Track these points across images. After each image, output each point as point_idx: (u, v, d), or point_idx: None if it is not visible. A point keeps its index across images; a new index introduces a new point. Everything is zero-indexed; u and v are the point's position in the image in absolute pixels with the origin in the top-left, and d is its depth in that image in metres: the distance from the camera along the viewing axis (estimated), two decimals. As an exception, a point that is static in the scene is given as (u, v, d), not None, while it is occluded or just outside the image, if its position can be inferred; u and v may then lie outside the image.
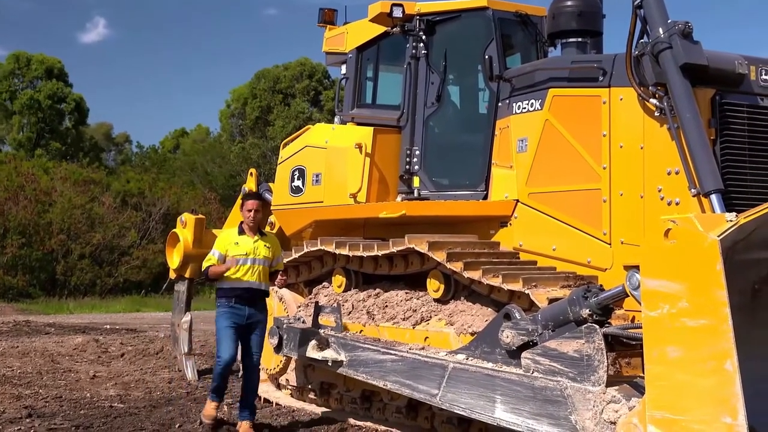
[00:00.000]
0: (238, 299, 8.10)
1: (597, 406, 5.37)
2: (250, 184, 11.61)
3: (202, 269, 8.34)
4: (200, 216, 11.98)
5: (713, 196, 5.94)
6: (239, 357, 8.34)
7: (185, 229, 11.78)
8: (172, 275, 12.23)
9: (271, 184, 11.22)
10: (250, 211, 8.25)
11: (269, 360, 9.65)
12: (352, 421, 8.59)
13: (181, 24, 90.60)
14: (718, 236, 4.33)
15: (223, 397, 8.46)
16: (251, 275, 8.13)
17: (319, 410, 9.16)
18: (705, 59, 6.38)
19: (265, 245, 8.24)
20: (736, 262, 4.50)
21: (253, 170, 11.99)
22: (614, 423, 5.20)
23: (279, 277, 8.47)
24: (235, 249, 8.14)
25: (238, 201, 11.83)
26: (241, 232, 8.26)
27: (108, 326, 19.39)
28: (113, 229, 31.25)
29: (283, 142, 10.60)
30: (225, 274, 8.10)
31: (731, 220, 4.43)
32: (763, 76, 6.76)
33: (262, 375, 10.08)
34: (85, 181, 33.04)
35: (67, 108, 45.68)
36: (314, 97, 44.51)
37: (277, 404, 9.64)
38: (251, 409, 8.24)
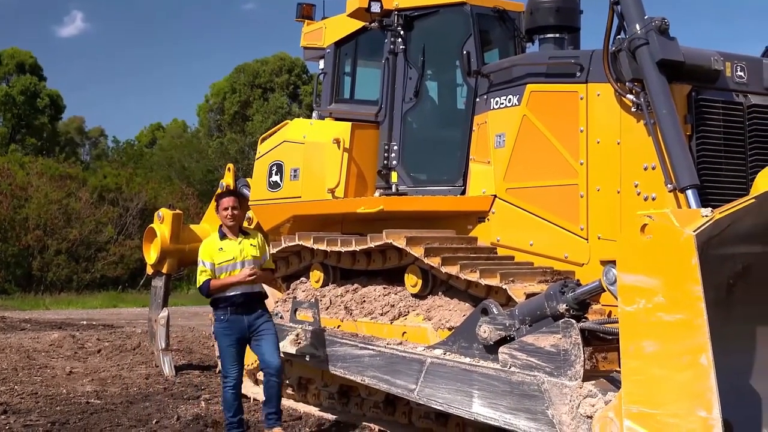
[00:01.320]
0: (235, 309, 7.48)
1: (573, 400, 5.39)
2: (228, 180, 11.59)
3: (198, 285, 7.62)
4: (178, 211, 11.94)
5: (689, 192, 5.98)
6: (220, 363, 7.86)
7: (162, 224, 11.74)
8: (150, 271, 12.19)
9: (248, 180, 11.20)
10: (226, 209, 7.60)
11: (247, 355, 9.61)
12: (329, 416, 8.59)
13: (159, 18, 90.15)
14: (694, 231, 4.35)
15: (245, 428, 7.74)
16: (247, 281, 7.53)
17: (296, 405, 9.15)
18: (681, 55, 6.41)
19: (250, 244, 7.65)
20: (712, 257, 4.53)
21: (230, 165, 11.96)
22: (590, 417, 5.22)
23: (266, 275, 7.90)
24: (221, 255, 7.51)
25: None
26: (223, 235, 7.61)
27: (85, 322, 19.29)
28: (90, 225, 31.07)
29: (261, 137, 10.57)
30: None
31: (707, 216, 4.45)
32: (738, 73, 6.81)
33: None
34: (61, 176, 32.82)
35: (41, 103, 45.29)
36: (293, 92, 44.42)
37: (254, 399, 9.60)
38: (278, 414, 7.65)
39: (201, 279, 7.53)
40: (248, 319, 7.53)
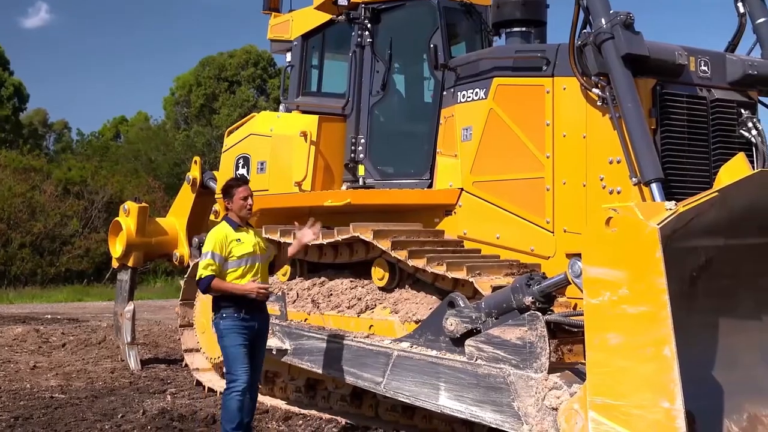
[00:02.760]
0: (249, 308, 6.70)
1: (539, 392, 5.43)
2: (195, 173, 11.54)
3: (198, 278, 6.69)
4: (143, 204, 11.85)
5: (653, 185, 6.04)
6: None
7: (128, 217, 11.66)
8: (115, 264, 12.10)
9: (215, 173, 11.15)
10: (245, 198, 6.83)
11: (213, 349, 9.58)
12: (296, 409, 8.58)
13: (124, 10, 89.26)
14: (658, 224, 4.40)
15: None
16: (259, 276, 6.81)
17: (263, 399, 9.12)
18: (646, 50, 6.45)
19: (260, 239, 7.02)
20: (675, 249, 4.57)
21: (197, 158, 11.90)
22: (556, 409, 5.27)
23: (309, 229, 7.17)
24: (240, 247, 6.72)
25: (184, 187, 11.77)
26: (237, 226, 6.82)
27: (49, 316, 19.12)
28: (55, 218, 30.76)
29: (227, 130, 10.52)
30: (232, 278, 6.68)
31: (670, 209, 4.49)
32: (702, 67, 6.87)
33: (206, 363, 10.05)
34: (25, 168, 32.47)
35: (5, 92, 44.70)
36: (260, 85, 44.24)
37: (221, 393, 9.57)
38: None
39: (204, 273, 6.59)
40: (258, 320, 6.83)
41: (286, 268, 8.88)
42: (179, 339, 10.90)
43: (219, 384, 9.82)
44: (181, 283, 10.62)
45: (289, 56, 9.79)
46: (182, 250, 11.63)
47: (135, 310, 11.78)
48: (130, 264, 11.78)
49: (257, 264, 6.77)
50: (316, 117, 9.00)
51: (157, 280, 30.29)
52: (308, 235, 7.14)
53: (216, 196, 10.55)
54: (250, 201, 6.86)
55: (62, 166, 36.73)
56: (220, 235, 6.71)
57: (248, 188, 6.93)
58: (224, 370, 6.90)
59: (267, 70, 44.13)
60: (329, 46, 9.56)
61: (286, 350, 7.97)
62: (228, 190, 6.93)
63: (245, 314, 6.68)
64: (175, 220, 11.95)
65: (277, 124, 9.58)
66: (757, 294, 5.35)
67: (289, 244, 8.36)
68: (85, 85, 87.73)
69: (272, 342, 8.04)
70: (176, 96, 46.03)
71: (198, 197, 11.59)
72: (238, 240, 6.73)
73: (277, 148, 9.32)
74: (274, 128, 9.50)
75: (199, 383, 10.09)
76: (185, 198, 11.87)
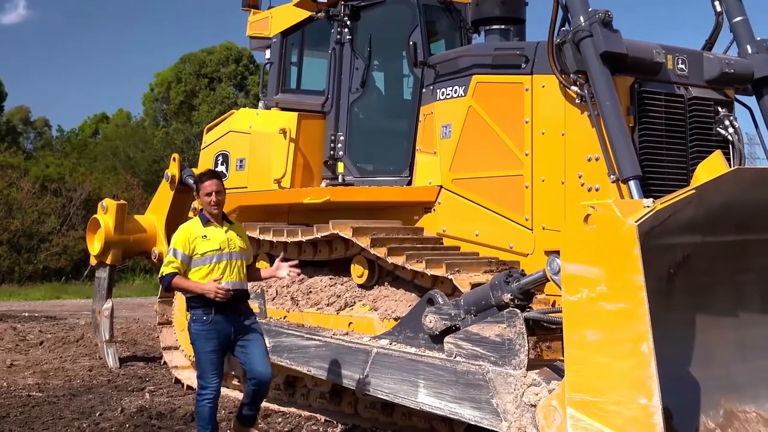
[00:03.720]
0: (219, 309, 6.35)
1: (518, 389, 5.44)
2: (173, 170, 11.48)
3: (161, 275, 6.50)
4: (122, 201, 11.79)
5: (631, 183, 6.08)
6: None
7: (106, 214, 11.59)
8: (93, 261, 12.04)
9: (194, 170, 11.10)
10: (210, 194, 6.47)
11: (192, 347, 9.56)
12: (275, 407, 8.56)
13: (104, 6, 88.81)
14: (636, 222, 4.41)
15: None
16: (230, 274, 6.43)
17: (242, 396, 9.09)
18: (624, 48, 6.49)
19: (237, 235, 6.60)
20: (653, 246, 4.59)
21: (176, 155, 11.84)
22: (534, 406, 5.28)
23: (288, 267, 6.72)
24: (205, 244, 6.39)
25: (163, 184, 11.71)
26: (207, 221, 6.51)
27: (26, 314, 19.01)
28: (32, 215, 30.59)
29: (206, 127, 10.50)
30: (196, 277, 6.38)
31: (648, 206, 4.51)
32: (680, 65, 6.91)
33: (184, 361, 10.02)
34: (2, 165, 32.24)
35: (-18, 91, 44.43)
36: (240, 82, 44.10)
37: (188, 387, 9.56)
38: (257, 415, 6.89)
39: (165, 270, 6.39)
40: (234, 321, 6.45)
41: (266, 266, 8.85)
42: (158, 337, 10.86)
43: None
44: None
45: (268, 53, 9.78)
46: (161, 247, 11.57)
47: (113, 307, 11.72)
48: (108, 261, 11.72)
49: (224, 262, 6.42)
50: (295, 114, 8.99)
51: (135, 278, 30.17)
52: (284, 271, 6.71)
53: (194, 193, 10.50)
54: (215, 197, 6.46)
55: (40, 163, 36.52)
56: (185, 232, 6.48)
57: (216, 182, 6.54)
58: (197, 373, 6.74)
59: (248, 67, 44.00)
60: (308, 43, 9.56)
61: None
62: (196, 186, 6.68)
63: (216, 315, 6.36)
64: (153, 218, 11.88)
65: (256, 121, 9.56)
66: (734, 291, 5.38)
67: (269, 241, 8.38)
68: (67, 83, 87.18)
69: (251, 339, 8.02)
70: (155, 92, 45.81)
71: (177, 194, 11.52)
72: (204, 237, 6.42)
73: (257, 145, 9.30)
74: (254, 125, 9.48)
75: (177, 381, 10.06)
76: (164, 195, 11.81)
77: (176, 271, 6.37)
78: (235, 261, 6.49)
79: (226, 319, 6.41)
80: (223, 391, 9.35)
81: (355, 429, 7.65)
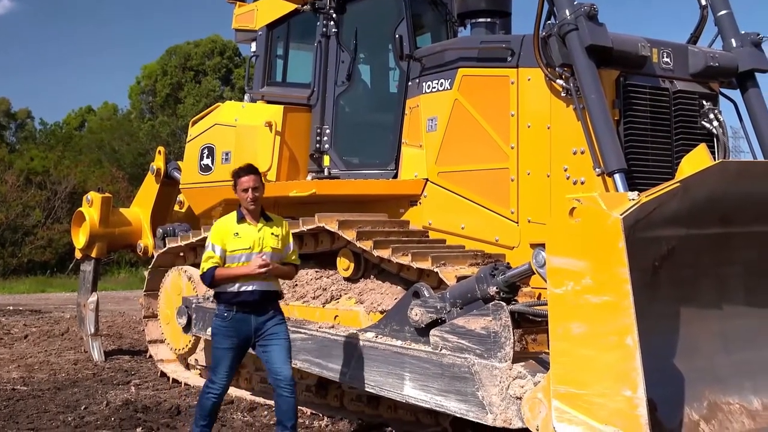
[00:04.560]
0: (242, 307, 6.29)
1: (503, 382, 5.46)
2: (159, 163, 11.47)
3: (201, 272, 6.44)
4: (107, 194, 11.76)
5: (617, 176, 6.10)
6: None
7: (91, 208, 11.56)
8: (78, 255, 12.00)
9: (180, 163, 11.08)
10: (246, 190, 6.30)
11: (178, 340, 9.55)
12: (261, 400, 8.56)
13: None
14: (621, 215, 4.43)
15: None
16: (258, 274, 6.30)
17: (229, 390, 9.08)
18: (610, 41, 6.50)
19: (272, 233, 6.39)
20: (638, 239, 4.61)
21: (161, 148, 11.83)
22: (520, 398, 5.30)
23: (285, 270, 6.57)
24: (235, 242, 6.28)
25: (148, 177, 11.69)
26: (241, 218, 6.37)
27: (11, 307, 18.91)
28: (17, 209, 30.45)
29: (192, 120, 10.46)
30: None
31: (633, 199, 4.53)
32: (665, 59, 6.93)
33: (170, 354, 10.00)
34: (-15, 158, 32.12)
35: (-35, 83, 44.16)
36: (225, 75, 43.96)
37: (186, 384, 9.56)
38: None
39: (206, 266, 6.30)
40: (257, 320, 6.33)
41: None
42: (143, 330, 10.83)
43: (183, 375, 9.79)
44: (146, 273, 10.55)
45: (253, 46, 9.75)
46: (146, 240, 11.57)
47: (98, 301, 11.69)
48: (93, 255, 11.69)
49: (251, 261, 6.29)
50: (281, 107, 8.97)
51: (120, 271, 30.07)
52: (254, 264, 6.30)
53: (180, 186, 10.49)
54: (252, 194, 6.29)
55: (24, 156, 36.34)
56: (220, 227, 6.41)
57: (254, 178, 6.34)
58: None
59: (233, 60, 43.86)
60: (294, 36, 9.54)
61: (251, 341, 7.95)
62: (234, 180, 6.44)
63: (237, 313, 6.29)
64: (139, 211, 11.87)
65: (241, 114, 9.54)
66: (718, 283, 5.41)
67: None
68: (51, 75, 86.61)
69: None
70: (141, 85, 45.64)
71: (162, 188, 11.53)
72: (236, 234, 6.31)
73: (242, 138, 9.28)
74: (239, 118, 9.46)
75: (163, 374, 10.04)
76: (149, 188, 11.80)
77: (217, 264, 6.29)
78: (257, 258, 6.30)
79: (247, 319, 6.32)
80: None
81: (341, 422, 7.66)
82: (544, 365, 5.30)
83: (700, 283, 5.30)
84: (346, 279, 7.72)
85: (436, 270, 6.57)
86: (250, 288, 6.28)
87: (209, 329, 8.33)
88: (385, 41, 8.78)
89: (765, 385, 5.36)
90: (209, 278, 6.32)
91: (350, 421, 7.62)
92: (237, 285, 6.29)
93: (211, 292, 8.86)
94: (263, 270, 6.21)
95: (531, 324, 5.76)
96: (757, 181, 5.06)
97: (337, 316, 7.49)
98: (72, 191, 31.92)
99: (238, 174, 6.43)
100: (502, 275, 5.75)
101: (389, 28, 8.41)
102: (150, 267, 10.43)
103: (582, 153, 6.56)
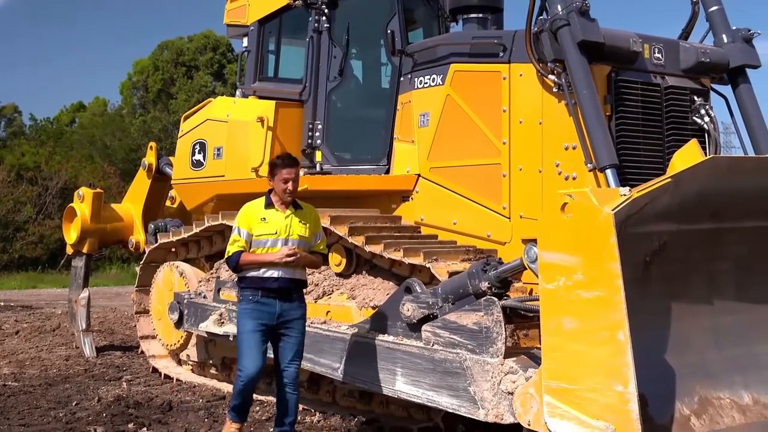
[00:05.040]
0: (267, 292, 6.25)
1: (495, 377, 5.46)
2: (150, 158, 11.45)
3: (227, 255, 6.39)
4: (98, 190, 11.74)
5: (608, 171, 6.11)
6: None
7: (83, 203, 11.53)
8: (70, 251, 11.97)
9: (171, 158, 11.06)
10: (287, 181, 6.28)
11: (170, 335, 9.54)
12: (254, 395, 8.54)
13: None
14: (612, 210, 4.43)
15: (246, 417, 6.61)
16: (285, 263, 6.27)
17: (220, 385, 9.10)
18: (601, 37, 6.51)
19: (300, 221, 6.35)
20: (630, 235, 4.62)
21: (152, 144, 11.81)
22: (512, 393, 5.30)
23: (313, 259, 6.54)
24: (262, 227, 6.26)
25: (140, 173, 11.67)
26: (269, 204, 6.35)
27: (2, 303, 18.88)
28: (7, 204, 30.36)
29: (183, 116, 10.44)
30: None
31: (625, 195, 4.53)
32: (656, 54, 6.94)
33: (162, 350, 9.99)
34: (-25, 154, 32.01)
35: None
36: (218, 71, 43.85)
37: (177, 380, 9.54)
38: None
39: (232, 249, 6.29)
40: (281, 306, 6.28)
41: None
42: (135, 326, 10.82)
43: (175, 371, 9.78)
44: (137, 269, 10.53)
45: (245, 41, 9.72)
46: (138, 236, 11.54)
47: (90, 296, 11.67)
48: (84, 250, 11.66)
49: (279, 248, 6.24)
50: (272, 102, 8.95)
51: (112, 267, 30.02)
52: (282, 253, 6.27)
53: (172, 181, 10.47)
54: (291, 185, 6.27)
55: (15, 152, 36.21)
56: (247, 211, 6.38)
57: (294, 171, 6.33)
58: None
59: (225, 55, 43.75)
60: (286, 31, 9.51)
61: (243, 336, 7.93)
62: (272, 169, 6.41)
63: (262, 297, 6.24)
64: (130, 206, 11.85)
65: (233, 109, 9.52)
66: (709, 279, 5.43)
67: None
68: (42, 72, 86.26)
69: (229, 328, 8.01)
70: (133, 80, 45.50)
71: (154, 183, 11.51)
72: (263, 219, 6.28)
73: (234, 133, 9.26)
74: (231, 114, 9.43)
75: (155, 370, 10.03)
76: (141, 184, 11.78)
77: (242, 249, 6.27)
78: (285, 248, 6.26)
79: (272, 304, 6.26)
80: (201, 380, 9.38)
81: (333, 417, 7.65)
82: (536, 360, 5.31)
83: (691, 279, 5.32)
84: (338, 274, 7.72)
85: (428, 265, 6.57)
86: (275, 275, 6.25)
87: (201, 325, 8.36)
88: (377, 37, 8.77)
89: (755, 380, 5.38)
90: (234, 262, 6.30)
91: (342, 416, 7.63)
92: (262, 270, 6.25)
93: (203, 288, 8.95)
94: (291, 259, 6.20)
95: (523, 319, 5.76)
96: (747, 177, 5.07)
97: (329, 311, 7.48)
98: (63, 187, 31.82)
99: (276, 163, 6.40)
100: (493, 271, 5.75)
101: (381, 24, 8.39)
102: (141, 263, 10.41)
103: (574, 148, 6.57)
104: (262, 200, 6.41)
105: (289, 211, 6.34)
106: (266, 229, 6.26)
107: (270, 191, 6.42)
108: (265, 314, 6.25)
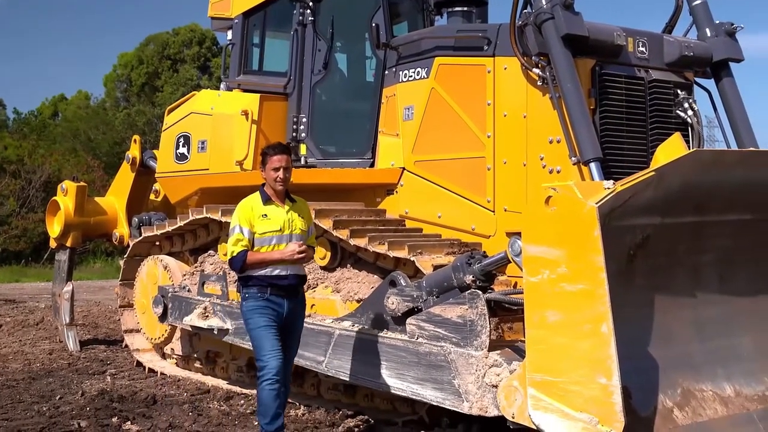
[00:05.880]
0: (276, 290, 6.03)
1: (479, 370, 5.48)
2: (134, 152, 11.41)
3: (229, 256, 6.07)
4: (82, 183, 11.69)
5: (592, 165, 6.13)
6: None
7: (66, 196, 11.48)
8: (53, 244, 11.93)
9: (155, 152, 11.02)
10: (277, 170, 6.03)
11: (154, 329, 9.52)
12: (237, 389, 8.55)
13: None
14: (596, 203, 4.45)
15: (283, 425, 6.07)
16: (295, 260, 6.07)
17: (204, 379, 9.09)
18: (585, 30, 6.53)
19: (299, 216, 6.17)
20: (613, 228, 4.63)
21: (136, 137, 11.78)
22: (496, 386, 5.32)
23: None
24: (264, 224, 6.00)
25: (124, 166, 11.62)
26: (267, 199, 6.09)
27: (-15, 297, 18.77)
28: (-10, 198, 30.19)
29: (167, 109, 10.40)
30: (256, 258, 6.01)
31: (609, 188, 4.55)
32: (640, 48, 6.96)
33: (146, 344, 9.98)
34: (-43, 147, 31.77)
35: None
36: (203, 64, 43.73)
37: (162, 374, 9.52)
38: None
39: (235, 249, 5.97)
40: (288, 305, 6.09)
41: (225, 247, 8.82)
42: (119, 319, 10.79)
43: (159, 364, 9.76)
44: (121, 263, 10.51)
45: (230, 34, 9.69)
46: (122, 229, 11.50)
47: (74, 290, 11.62)
48: (68, 244, 11.62)
49: (284, 245, 6.01)
50: (257, 96, 8.94)
51: (96, 261, 29.88)
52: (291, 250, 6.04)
53: (156, 175, 10.44)
54: (282, 174, 6.03)
55: (-2, 145, 35.98)
56: (245, 208, 6.05)
57: (285, 158, 6.08)
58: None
59: (211, 49, 43.60)
60: (270, 24, 9.49)
61: (228, 330, 7.93)
62: (262, 158, 6.16)
63: (271, 295, 6.00)
64: (114, 200, 11.80)
65: (218, 102, 9.49)
66: (692, 271, 5.45)
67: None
68: (21, 63, 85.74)
69: (213, 322, 8.01)
70: (118, 73, 45.29)
71: (138, 176, 11.47)
72: (264, 216, 6.01)
73: (218, 126, 9.24)
74: (215, 107, 9.41)
75: (139, 364, 10.00)
76: (125, 177, 11.74)
77: (247, 248, 5.98)
78: (294, 244, 6.06)
79: (281, 302, 6.05)
80: (185, 373, 9.37)
81: (318, 411, 7.65)
82: (520, 353, 5.33)
83: (674, 272, 5.34)
84: (323, 268, 7.72)
85: (412, 259, 6.58)
86: (284, 272, 6.05)
87: (185, 318, 8.34)
88: (362, 30, 8.74)
89: (737, 372, 5.41)
90: (240, 263, 5.98)
91: (327, 409, 7.62)
92: (270, 268, 6.02)
93: (187, 281, 8.91)
94: (301, 256, 6.01)
95: (507, 312, 5.79)
96: (730, 170, 5.10)
97: (313, 305, 7.48)
98: (47, 180, 31.59)
99: (268, 151, 6.16)
100: (478, 264, 5.77)
101: (366, 17, 8.38)
102: (125, 256, 10.38)
103: (558, 142, 6.59)
104: (257, 196, 6.14)
105: (287, 206, 6.14)
106: (270, 226, 6.01)
107: (263, 185, 6.19)
108: (274, 311, 6.04)
